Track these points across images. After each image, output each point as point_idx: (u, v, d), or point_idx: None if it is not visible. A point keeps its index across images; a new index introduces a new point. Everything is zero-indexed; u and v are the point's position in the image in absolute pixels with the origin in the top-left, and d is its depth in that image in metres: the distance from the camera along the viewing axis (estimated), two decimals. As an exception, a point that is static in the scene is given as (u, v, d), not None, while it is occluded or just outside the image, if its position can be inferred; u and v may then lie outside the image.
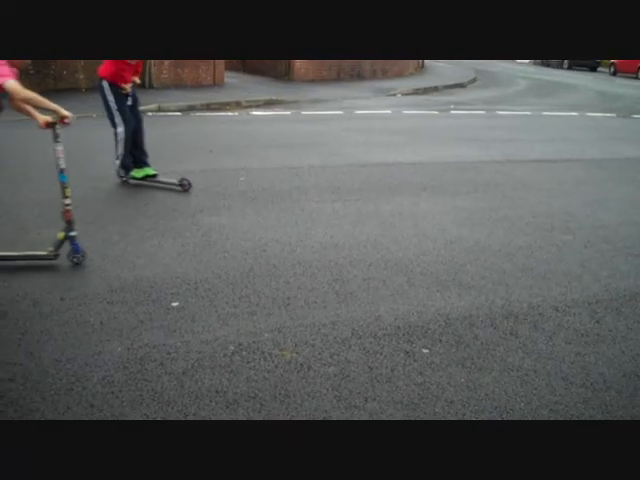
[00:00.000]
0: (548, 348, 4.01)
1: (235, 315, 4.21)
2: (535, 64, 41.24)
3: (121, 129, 7.11)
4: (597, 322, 4.40)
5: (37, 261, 4.89)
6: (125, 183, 7.28)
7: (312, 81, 20.48)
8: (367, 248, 5.58)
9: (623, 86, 27.24)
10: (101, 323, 4.04)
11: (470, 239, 5.92)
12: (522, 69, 36.21)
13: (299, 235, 5.83)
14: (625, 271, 5.34)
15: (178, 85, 16.82)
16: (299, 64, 20.62)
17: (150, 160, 7.44)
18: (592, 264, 5.45)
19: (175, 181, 7.14)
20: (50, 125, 4.85)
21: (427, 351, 3.90)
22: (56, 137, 4.88)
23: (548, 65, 39.35)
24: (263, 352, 3.78)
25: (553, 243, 5.94)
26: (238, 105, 14.77)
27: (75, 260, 4.92)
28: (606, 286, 5.01)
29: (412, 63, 27.61)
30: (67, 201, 4.91)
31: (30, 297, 4.35)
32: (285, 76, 20.53)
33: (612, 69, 35.22)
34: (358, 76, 22.83)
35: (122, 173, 7.29)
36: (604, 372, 3.76)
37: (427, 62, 30.87)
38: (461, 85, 23.33)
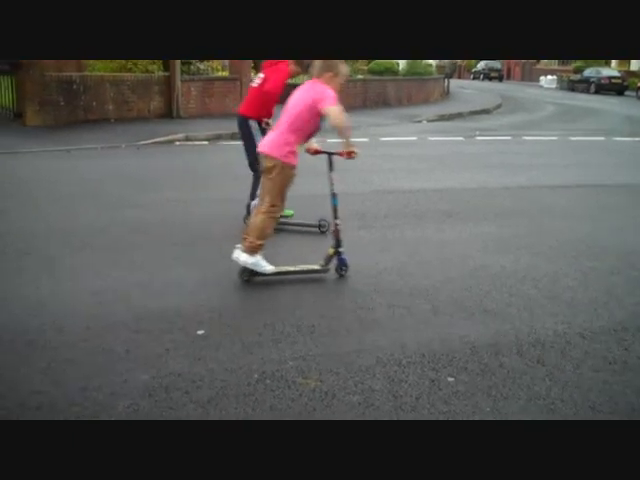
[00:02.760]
0: (575, 376, 3.96)
1: (259, 343, 4.23)
2: (562, 89, 41.17)
3: None
4: (625, 349, 4.34)
5: (311, 274, 5.44)
6: None
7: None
8: (392, 275, 5.58)
9: (651, 110, 27.07)
10: (127, 351, 4.07)
11: (495, 266, 5.89)
12: (548, 94, 36.19)
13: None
14: (653, 298, 5.27)
15: (205, 115, 17.05)
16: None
17: (177, 189, 7.53)
18: (618, 291, 5.39)
19: (314, 222, 6.92)
20: (343, 154, 5.28)
21: (452, 379, 3.88)
22: (331, 165, 5.50)
23: (573, 90, 39.24)
24: (287, 380, 3.79)
25: (579, 269, 5.89)
26: (264, 133, 14.92)
27: (342, 272, 5.49)
28: (633, 313, 4.95)
29: (437, 89, 27.73)
30: (338, 221, 5.52)
31: (56, 325, 4.40)
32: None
33: (639, 93, 35.00)
34: (384, 103, 22.97)
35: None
36: (632, 401, 3.70)
37: (452, 88, 30.95)
38: (487, 111, 23.36)
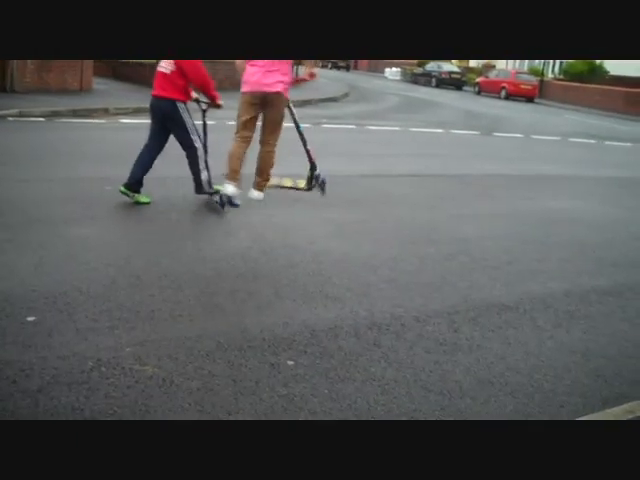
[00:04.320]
0: (409, 357, 4.13)
1: (95, 330, 4.07)
2: (405, 81, 42.68)
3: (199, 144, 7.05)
4: (455, 332, 4.57)
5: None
6: None
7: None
8: (235, 260, 5.56)
9: (486, 105, 28.70)
10: (-52, 340, 3.79)
11: (337, 251, 6.02)
12: (392, 85, 37.40)
13: (166, 247, 5.73)
14: (482, 283, 5.59)
15: (42, 90, 16.14)
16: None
17: (7, 167, 7.10)
18: (452, 276, 5.67)
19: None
20: None
21: (292, 363, 3.92)
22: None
23: (416, 82, 40.81)
24: (123, 367, 3.67)
25: (416, 255, 6.14)
26: (106, 112, 14.37)
27: (324, 189, 7.26)
28: (464, 297, 5.23)
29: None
30: (308, 146, 7.24)
31: None
32: (157, 84, 20.16)
33: (477, 88, 37.03)
34: (231, 85, 22.77)
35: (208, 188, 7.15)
36: (460, 380, 3.91)
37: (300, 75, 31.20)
38: (334, 99, 23.77)
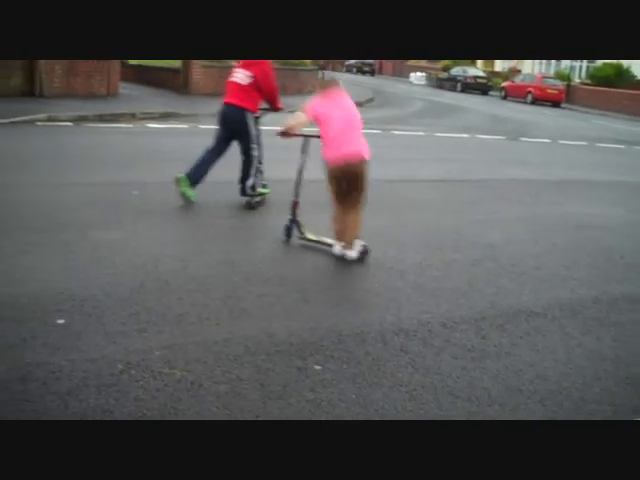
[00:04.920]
0: (436, 364, 4.11)
1: (124, 333, 4.10)
2: (430, 86, 42.57)
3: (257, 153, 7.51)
4: (483, 338, 4.54)
5: None
6: None
7: (210, 95, 20.33)
8: (263, 264, 5.57)
9: (512, 110, 28.51)
10: (-21, 342, 3.84)
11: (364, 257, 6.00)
12: (417, 90, 37.35)
13: (193, 251, 5.76)
14: (509, 289, 5.55)
15: (70, 94, 16.33)
16: (197, 77, 20.45)
17: (36, 172, 7.18)
18: (479, 282, 5.63)
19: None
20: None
21: (319, 367, 3.92)
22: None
23: (441, 87, 40.68)
24: (152, 371, 3.69)
25: (443, 260, 6.11)
26: (133, 117, 14.48)
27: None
28: (491, 303, 5.19)
29: (311, 80, 27.89)
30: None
31: None
32: (183, 89, 20.31)
33: (503, 93, 36.79)
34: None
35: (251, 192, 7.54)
36: (488, 387, 3.88)
37: (325, 80, 31.19)
38: (358, 104, 23.74)
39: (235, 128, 7.38)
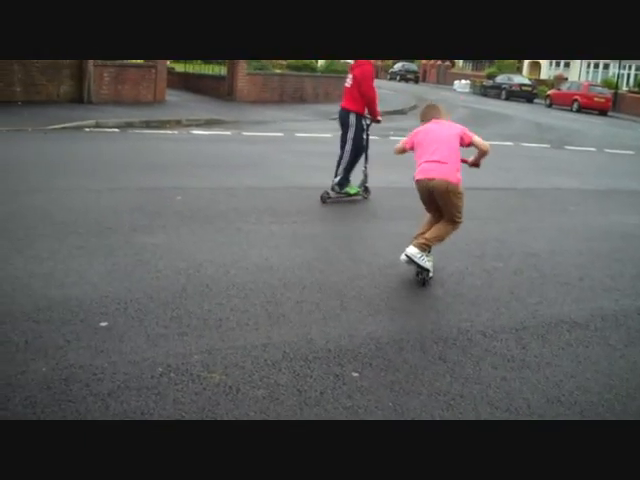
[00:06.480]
0: (475, 373, 4.07)
1: (165, 336, 4.16)
2: (474, 94, 42.28)
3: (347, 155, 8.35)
4: (523, 348, 4.49)
5: None
6: None
7: (254, 102, 20.53)
8: (302, 271, 5.60)
9: (558, 118, 28.15)
10: (26, 342, 3.93)
11: (403, 264, 5.97)
12: (462, 98, 37.05)
13: (234, 256, 5.81)
14: (552, 298, 5.48)
15: (117, 101, 16.65)
16: (242, 85, 20.66)
17: (82, 177, 7.33)
18: (521, 291, 5.57)
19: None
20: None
21: (357, 375, 3.92)
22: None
23: (485, 95, 40.37)
24: (192, 374, 3.74)
25: (484, 269, 6.06)
26: (178, 123, 14.69)
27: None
28: (533, 313, 5.13)
29: (354, 88, 27.90)
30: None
31: (-49, 314, 4.21)
32: (228, 96, 20.53)
33: (548, 101, 36.36)
34: (300, 99, 23.00)
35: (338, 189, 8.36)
36: (528, 397, 3.84)
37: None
38: (402, 112, 23.73)
39: (343, 126, 8.23)
